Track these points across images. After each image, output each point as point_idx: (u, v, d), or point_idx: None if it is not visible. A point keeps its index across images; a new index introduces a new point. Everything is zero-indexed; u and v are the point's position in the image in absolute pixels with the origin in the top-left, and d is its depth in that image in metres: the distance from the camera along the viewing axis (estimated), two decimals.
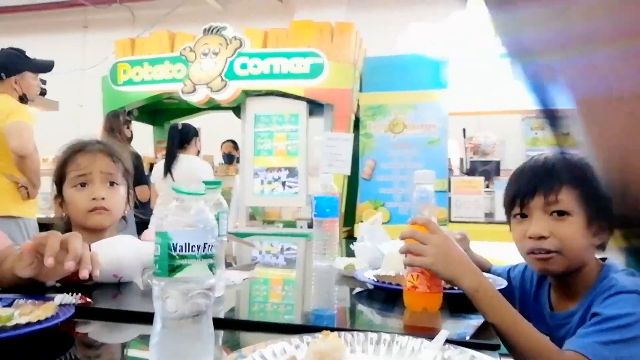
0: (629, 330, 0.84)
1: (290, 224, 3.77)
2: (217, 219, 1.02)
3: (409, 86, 3.49)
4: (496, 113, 3.61)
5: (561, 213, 0.96)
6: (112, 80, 3.95)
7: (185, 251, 0.59)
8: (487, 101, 3.39)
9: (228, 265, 1.39)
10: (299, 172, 3.63)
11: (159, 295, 0.59)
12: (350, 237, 3.37)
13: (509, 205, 1.05)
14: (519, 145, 3.85)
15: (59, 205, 1.37)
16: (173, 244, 0.59)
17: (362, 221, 3.10)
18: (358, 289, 1.13)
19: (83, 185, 1.32)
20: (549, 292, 1.09)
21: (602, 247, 1.00)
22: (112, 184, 1.34)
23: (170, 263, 0.60)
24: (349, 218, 3.66)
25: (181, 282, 0.60)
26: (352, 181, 3.59)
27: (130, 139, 3.66)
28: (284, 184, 3.65)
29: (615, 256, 1.01)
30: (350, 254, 1.43)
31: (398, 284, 1.01)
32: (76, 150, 1.35)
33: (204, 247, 0.59)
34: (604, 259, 1.03)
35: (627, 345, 0.83)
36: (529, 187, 1.00)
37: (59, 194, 1.36)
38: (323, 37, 3.63)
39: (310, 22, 3.73)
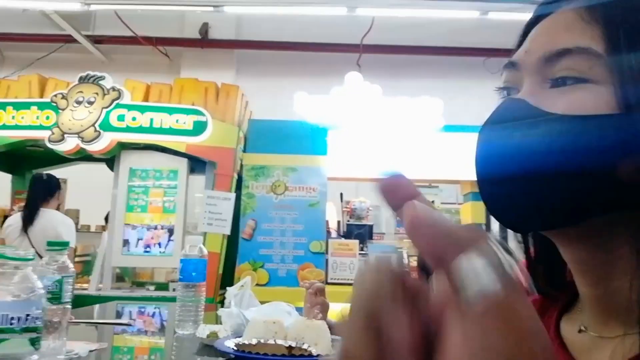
0: None
1: (163, 287, 3.55)
2: (60, 284, 0.93)
3: (291, 150, 3.60)
4: (371, 180, 3.83)
5: None
6: None
7: (2, 324, 0.52)
8: (363, 168, 3.60)
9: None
10: (174, 230, 3.47)
11: None
12: None
13: None
14: (390, 210, 4.11)
15: None
16: None
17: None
18: (220, 359, 1.08)
19: None
20: None
21: None
22: None
23: None
24: (227, 280, 3.55)
25: None
26: (232, 241, 3.52)
27: None
28: (158, 243, 3.46)
29: None
30: None
31: (258, 353, 0.98)
32: None
33: (26, 319, 0.53)
34: None
35: None
36: None
37: None
38: (208, 96, 3.64)
39: (195, 81, 3.74)
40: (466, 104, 4.30)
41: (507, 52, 0.54)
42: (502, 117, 0.49)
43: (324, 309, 1.34)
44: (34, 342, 0.54)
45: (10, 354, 0.52)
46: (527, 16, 0.54)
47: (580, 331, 0.53)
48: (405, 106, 3.61)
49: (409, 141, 3.58)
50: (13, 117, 3.53)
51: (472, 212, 3.60)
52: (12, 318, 0.53)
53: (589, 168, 0.43)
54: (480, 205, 3.71)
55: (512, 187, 0.46)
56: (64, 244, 0.91)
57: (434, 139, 3.58)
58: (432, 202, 3.90)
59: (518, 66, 0.51)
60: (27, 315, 0.53)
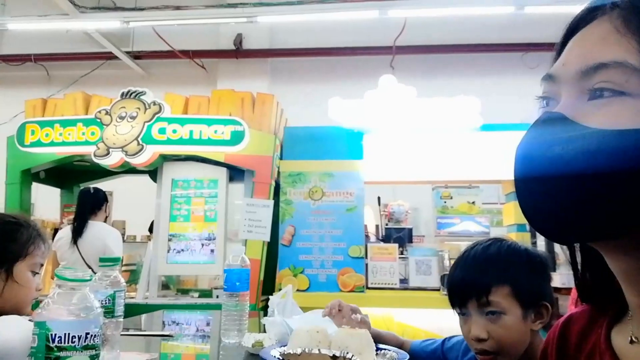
0: None
1: (207, 294, 3.62)
2: (113, 299, 0.97)
3: (327, 155, 3.62)
4: (409, 183, 3.81)
5: (495, 313, 0.99)
6: (18, 140, 3.73)
7: (65, 342, 0.55)
8: (400, 171, 3.58)
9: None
10: (216, 238, 3.55)
11: None
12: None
13: (451, 302, 1.08)
14: (429, 212, 4.06)
15: None
16: (51, 335, 0.55)
17: (280, 289, 3.06)
18: None
19: (34, 273, 1.24)
20: None
21: (547, 327, 1.03)
22: None
23: (47, 355, 0.56)
24: (269, 286, 3.60)
25: None
26: (272, 248, 3.56)
27: None
28: (200, 251, 3.54)
29: None
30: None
31: None
32: (43, 238, 1.27)
33: (86, 338, 0.56)
34: None
35: None
36: (463, 289, 1.03)
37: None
38: (244, 107, 3.71)
39: (231, 92, 3.81)
40: (504, 100, 4.22)
41: (545, 46, 0.54)
42: (540, 131, 0.49)
43: (366, 324, 1.32)
44: (94, 359, 0.57)
45: None
46: (564, 9, 0.54)
47: (632, 342, 0.52)
48: (441, 106, 3.56)
49: (446, 142, 3.53)
50: (60, 134, 3.70)
51: (514, 212, 3.51)
52: (73, 337, 0.56)
53: (626, 181, 0.43)
54: None
55: (551, 200, 0.47)
56: (115, 260, 0.95)
57: (472, 139, 3.51)
58: (473, 202, 3.83)
59: (556, 79, 0.52)
60: (87, 333, 0.56)
